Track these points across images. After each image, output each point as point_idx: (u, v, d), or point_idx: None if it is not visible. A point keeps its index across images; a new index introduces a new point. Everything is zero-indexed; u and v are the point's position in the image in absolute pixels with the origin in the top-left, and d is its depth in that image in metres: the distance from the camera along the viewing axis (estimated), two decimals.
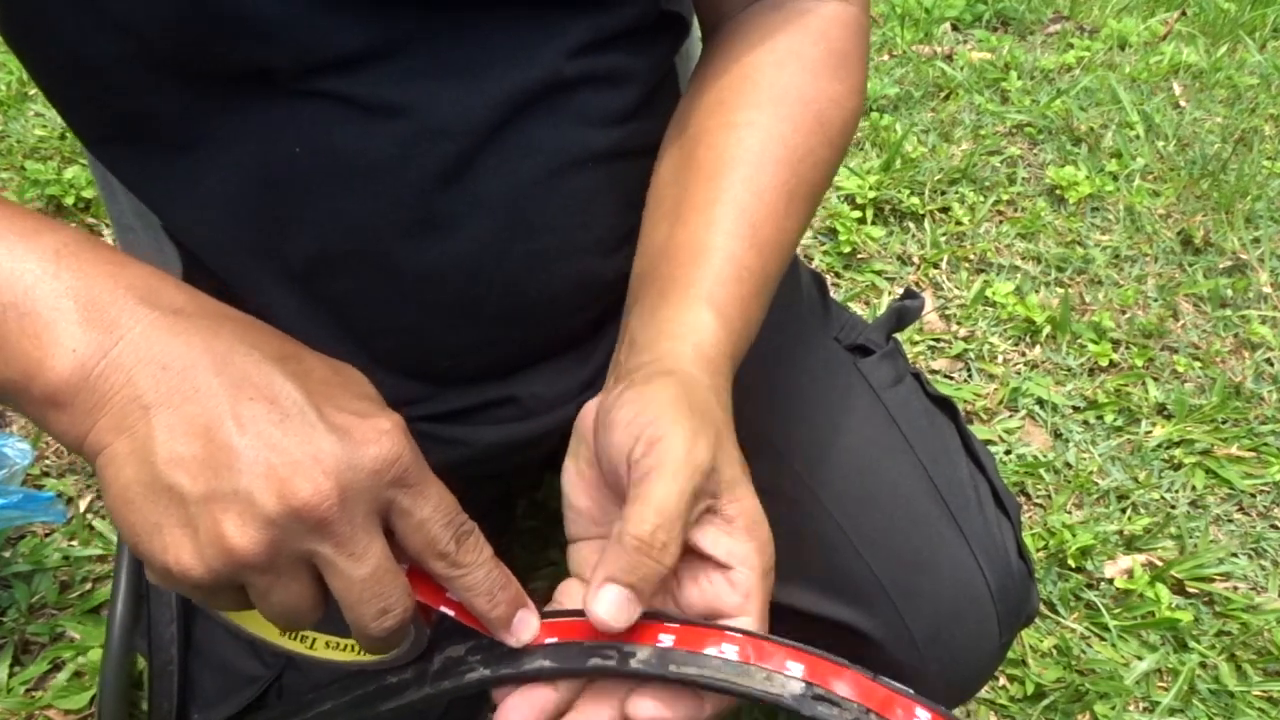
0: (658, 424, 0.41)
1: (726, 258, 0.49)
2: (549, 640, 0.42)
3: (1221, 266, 1.42)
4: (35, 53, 0.47)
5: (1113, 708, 0.91)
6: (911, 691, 0.40)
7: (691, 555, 0.42)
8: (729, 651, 0.39)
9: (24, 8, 0.44)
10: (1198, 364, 1.27)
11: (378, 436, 0.37)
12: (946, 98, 1.73)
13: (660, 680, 0.40)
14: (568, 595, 0.45)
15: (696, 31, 0.64)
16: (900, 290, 1.13)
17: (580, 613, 0.42)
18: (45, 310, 0.36)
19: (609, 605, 0.39)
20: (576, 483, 0.46)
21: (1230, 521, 1.10)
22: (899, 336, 0.69)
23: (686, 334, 0.46)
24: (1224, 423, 1.19)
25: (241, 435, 0.35)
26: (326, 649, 0.46)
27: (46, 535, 0.96)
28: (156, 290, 0.37)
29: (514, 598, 0.42)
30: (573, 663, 0.41)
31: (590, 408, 0.46)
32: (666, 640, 0.40)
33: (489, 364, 0.57)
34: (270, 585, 0.37)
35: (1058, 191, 1.52)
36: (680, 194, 0.52)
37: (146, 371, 0.35)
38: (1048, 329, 1.28)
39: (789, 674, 0.39)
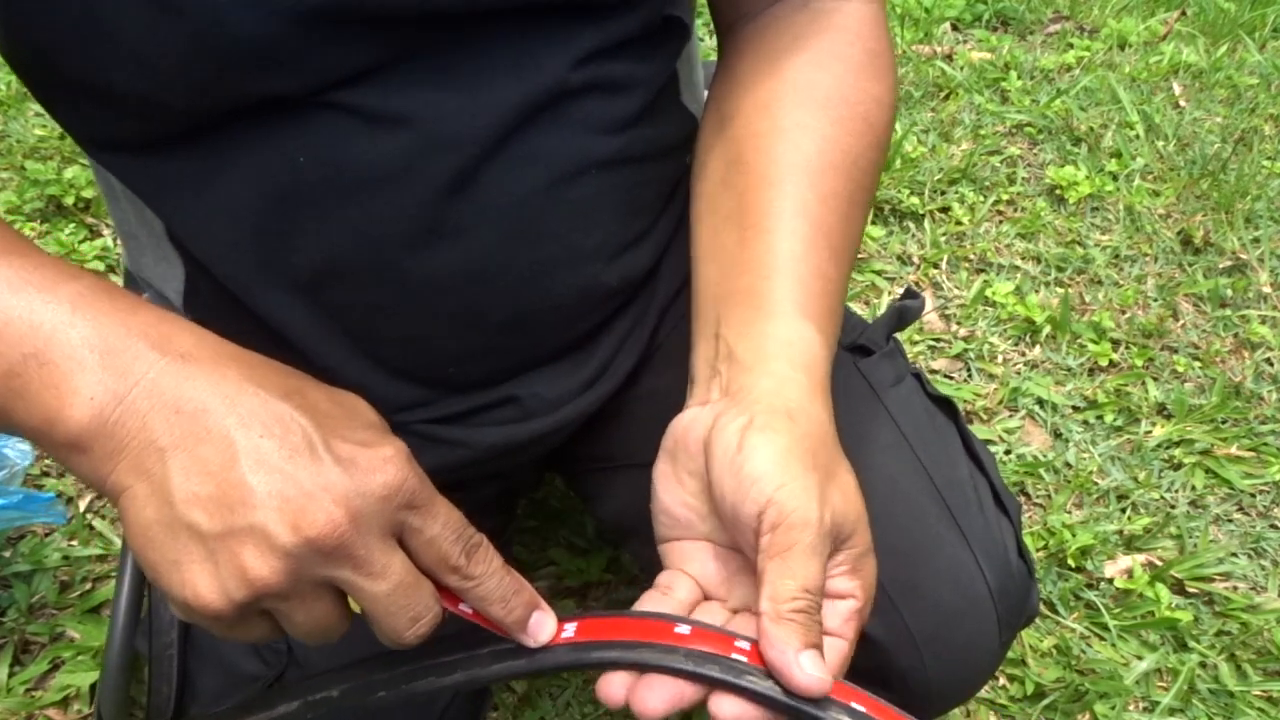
0: (788, 491, 0.42)
1: (812, 269, 0.49)
2: (700, 648, 0.42)
3: (1221, 266, 1.42)
4: (40, 76, 0.47)
5: (1112, 707, 0.91)
6: None
7: None
8: (858, 708, 0.41)
9: (32, 37, 0.44)
10: (1198, 364, 1.27)
11: (383, 464, 0.39)
12: (946, 98, 1.73)
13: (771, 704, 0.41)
14: (674, 582, 0.47)
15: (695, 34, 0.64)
16: (900, 290, 1.13)
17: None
18: (63, 360, 0.37)
19: (813, 667, 0.40)
20: (674, 488, 0.47)
21: (1230, 521, 1.10)
22: (899, 336, 0.69)
23: (795, 355, 0.47)
24: (1224, 423, 1.19)
25: (254, 472, 0.37)
26: None
27: (46, 535, 0.96)
28: (167, 336, 0.39)
29: (528, 601, 0.43)
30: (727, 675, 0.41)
31: (691, 420, 0.47)
32: None
33: (492, 369, 0.57)
34: (293, 609, 0.39)
35: (1058, 191, 1.52)
36: (739, 199, 0.52)
37: (160, 416, 0.37)
38: (1048, 329, 1.28)
39: None
